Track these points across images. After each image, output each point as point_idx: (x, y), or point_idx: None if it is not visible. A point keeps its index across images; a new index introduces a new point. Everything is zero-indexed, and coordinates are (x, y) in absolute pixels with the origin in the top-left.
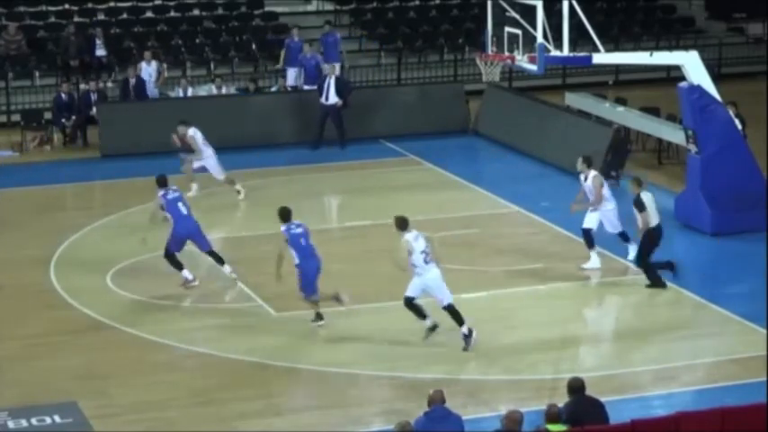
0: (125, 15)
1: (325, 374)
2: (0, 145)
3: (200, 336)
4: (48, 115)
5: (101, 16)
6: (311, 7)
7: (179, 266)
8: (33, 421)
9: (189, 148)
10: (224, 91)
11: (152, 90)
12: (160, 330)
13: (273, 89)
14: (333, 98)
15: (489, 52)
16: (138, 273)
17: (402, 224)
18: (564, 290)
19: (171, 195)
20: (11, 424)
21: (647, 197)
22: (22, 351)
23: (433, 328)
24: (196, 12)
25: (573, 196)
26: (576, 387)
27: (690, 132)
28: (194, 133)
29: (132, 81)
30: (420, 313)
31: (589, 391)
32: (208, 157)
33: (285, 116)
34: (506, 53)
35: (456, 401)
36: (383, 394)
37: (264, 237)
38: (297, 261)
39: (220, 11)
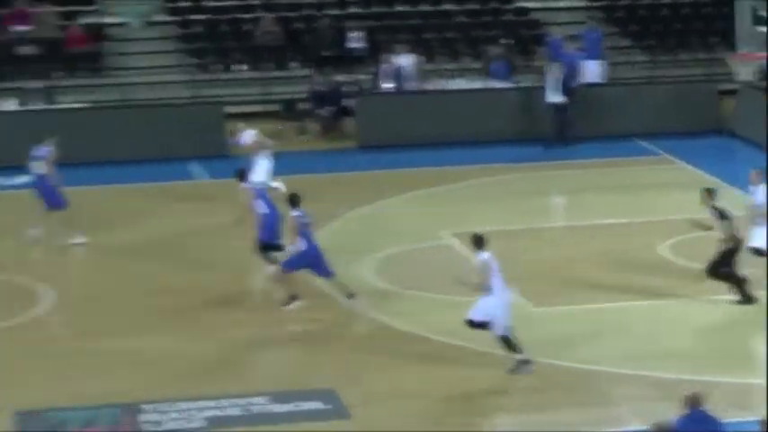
0: (377, 8)
1: (584, 372)
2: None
3: (456, 328)
4: (303, 105)
5: (354, 9)
6: (563, 3)
7: None
8: (293, 406)
9: None
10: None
11: (409, 82)
12: (416, 321)
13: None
14: (557, 96)
15: (742, 51)
16: (398, 262)
17: (479, 242)
18: None
19: None
20: (273, 408)
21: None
22: (282, 337)
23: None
24: (448, 6)
25: None
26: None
27: None
28: None
29: (386, 72)
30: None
31: None
32: None
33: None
34: (760, 52)
35: (714, 405)
36: (640, 393)
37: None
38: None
39: (473, 5)
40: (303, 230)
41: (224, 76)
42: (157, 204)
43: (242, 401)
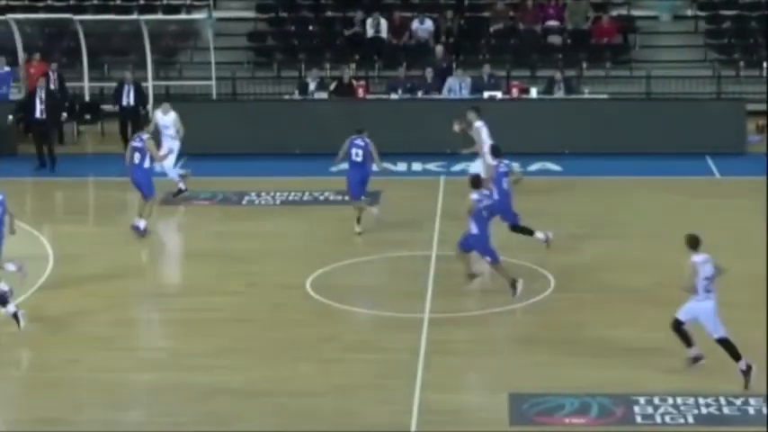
0: None
1: None
2: None
3: None
4: None
5: None
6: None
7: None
8: None
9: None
10: None
11: None
12: None
13: None
14: None
15: None
16: None
17: (694, 243)
18: None
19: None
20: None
21: None
22: None
23: (696, 359)
24: None
25: None
26: None
27: None
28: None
29: None
30: (687, 340)
31: None
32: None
33: None
34: None
35: None
36: None
37: None
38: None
39: None
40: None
41: (747, 72)
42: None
43: (737, 401)
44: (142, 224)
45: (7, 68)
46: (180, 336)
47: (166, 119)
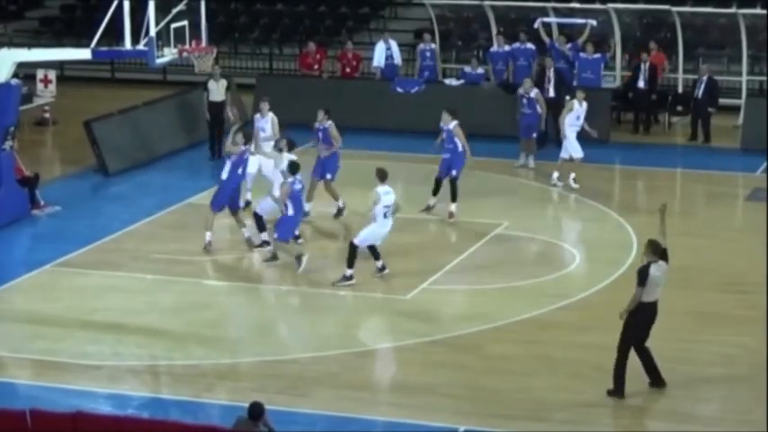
0: None
1: None
2: None
3: None
4: None
5: None
6: None
7: None
8: None
9: None
10: None
11: None
12: None
13: None
14: None
15: None
16: None
17: (381, 176)
18: None
19: None
20: None
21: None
22: None
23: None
24: None
25: None
26: None
27: None
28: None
29: None
30: (351, 259)
31: None
32: None
33: None
34: None
35: None
36: None
37: None
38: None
39: None
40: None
41: None
42: None
43: None
44: None
45: (597, 55)
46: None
47: None
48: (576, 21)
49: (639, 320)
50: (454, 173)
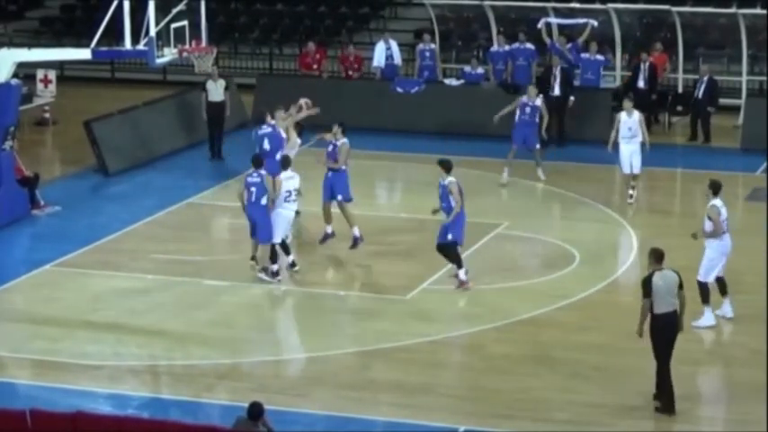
0: None
1: None
2: None
3: None
4: None
5: None
6: None
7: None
8: None
9: None
10: None
11: None
12: None
13: None
14: None
15: None
16: None
17: (286, 164)
18: None
19: None
20: None
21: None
22: None
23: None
24: None
25: None
26: None
27: None
28: None
29: None
30: (280, 254)
31: None
32: None
33: None
34: None
35: None
36: None
37: None
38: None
39: None
40: None
41: None
42: None
43: None
44: None
45: (599, 56)
46: None
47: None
48: (579, 21)
49: (657, 333)
50: (449, 237)
